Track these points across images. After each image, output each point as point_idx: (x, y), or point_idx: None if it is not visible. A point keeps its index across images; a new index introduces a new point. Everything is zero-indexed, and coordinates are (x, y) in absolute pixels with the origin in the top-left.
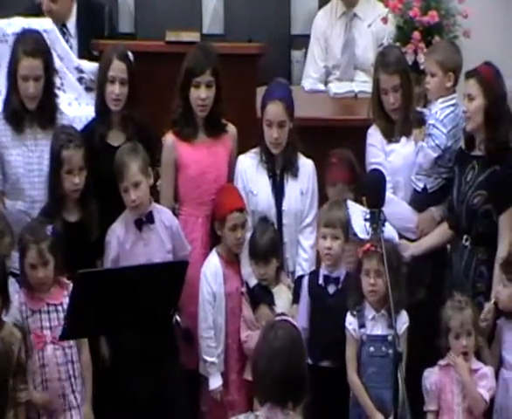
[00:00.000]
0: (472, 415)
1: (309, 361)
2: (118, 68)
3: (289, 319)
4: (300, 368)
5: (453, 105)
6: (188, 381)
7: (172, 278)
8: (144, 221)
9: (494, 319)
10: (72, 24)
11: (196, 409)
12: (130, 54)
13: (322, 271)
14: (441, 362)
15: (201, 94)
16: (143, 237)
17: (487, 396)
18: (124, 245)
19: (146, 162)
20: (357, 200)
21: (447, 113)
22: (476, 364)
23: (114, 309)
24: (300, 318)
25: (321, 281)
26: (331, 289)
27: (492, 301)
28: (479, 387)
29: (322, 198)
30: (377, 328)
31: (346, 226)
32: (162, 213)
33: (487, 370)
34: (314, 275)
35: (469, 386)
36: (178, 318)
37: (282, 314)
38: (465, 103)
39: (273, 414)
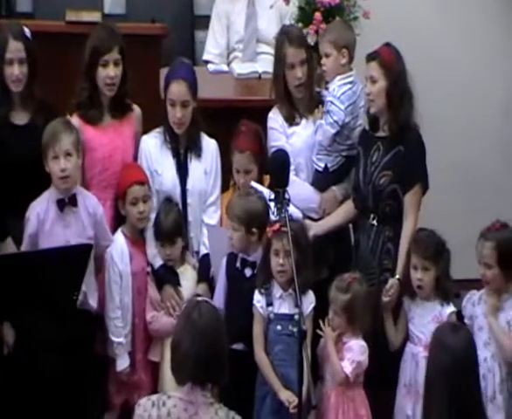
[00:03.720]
0: (342, 384)
1: None
2: (15, 48)
3: (209, 299)
4: (222, 349)
5: (350, 82)
6: (95, 365)
7: (75, 261)
8: (67, 202)
9: (398, 295)
10: None
11: (103, 391)
12: (27, 30)
13: (240, 255)
14: None
15: (110, 72)
16: (64, 219)
17: (347, 368)
18: (44, 224)
19: (78, 140)
20: (260, 181)
21: (345, 91)
22: (348, 338)
23: (17, 294)
24: (216, 300)
25: (238, 264)
26: (248, 272)
27: (396, 277)
28: (345, 358)
29: (226, 178)
30: (285, 307)
31: (248, 218)
32: (87, 198)
33: (354, 344)
34: (231, 257)
35: (331, 356)
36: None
37: (199, 295)
38: (368, 86)
39: (192, 395)
